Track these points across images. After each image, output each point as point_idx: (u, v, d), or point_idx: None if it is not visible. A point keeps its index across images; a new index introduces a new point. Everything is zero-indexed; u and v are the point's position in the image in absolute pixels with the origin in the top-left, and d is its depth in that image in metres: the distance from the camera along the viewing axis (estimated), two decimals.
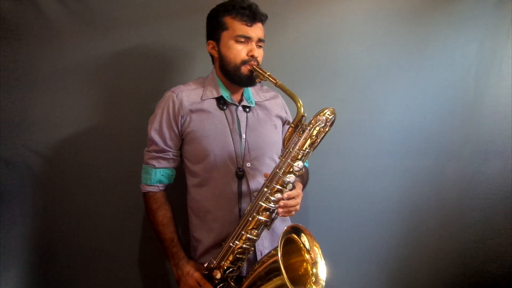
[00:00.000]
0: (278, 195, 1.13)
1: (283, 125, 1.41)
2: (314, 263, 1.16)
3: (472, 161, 1.78)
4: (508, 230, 1.78)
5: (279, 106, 1.41)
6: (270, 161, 1.31)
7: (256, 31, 1.23)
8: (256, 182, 1.26)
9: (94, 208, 1.53)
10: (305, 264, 1.18)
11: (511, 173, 1.77)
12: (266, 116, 1.35)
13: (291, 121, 1.42)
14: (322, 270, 1.15)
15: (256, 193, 1.24)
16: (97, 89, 1.51)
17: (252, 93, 1.36)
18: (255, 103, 1.34)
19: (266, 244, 1.28)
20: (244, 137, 1.27)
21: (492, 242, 1.80)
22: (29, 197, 1.47)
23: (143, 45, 1.52)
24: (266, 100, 1.38)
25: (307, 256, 1.17)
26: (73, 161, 1.50)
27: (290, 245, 1.16)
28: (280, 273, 1.03)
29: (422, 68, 1.73)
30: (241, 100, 1.32)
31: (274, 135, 1.35)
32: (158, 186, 1.29)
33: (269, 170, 1.27)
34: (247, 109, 1.31)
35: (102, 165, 1.53)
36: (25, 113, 1.44)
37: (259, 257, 1.26)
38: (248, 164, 1.26)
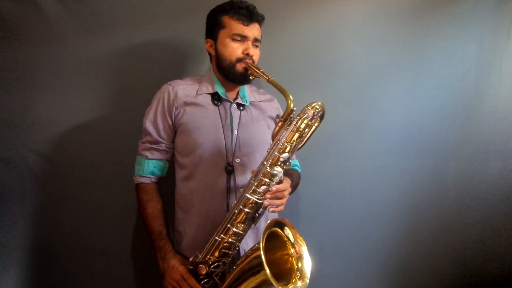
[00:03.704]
0: (265, 188, 1.13)
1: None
2: (299, 257, 1.15)
3: (472, 161, 1.78)
4: (508, 230, 1.78)
5: (274, 109, 1.44)
6: (259, 159, 1.30)
7: (253, 30, 1.26)
8: (244, 178, 1.27)
9: (94, 208, 1.53)
10: (290, 259, 1.16)
11: (511, 173, 1.77)
12: (259, 115, 1.37)
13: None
14: (307, 265, 1.14)
15: (242, 189, 1.24)
16: (97, 89, 1.51)
17: (248, 93, 1.38)
18: (250, 103, 1.36)
19: (250, 243, 1.29)
20: (236, 133, 1.29)
21: (492, 242, 1.79)
22: (29, 197, 1.47)
23: (143, 45, 1.52)
24: (261, 101, 1.41)
25: (292, 251, 1.16)
26: (73, 161, 1.50)
27: (275, 240, 1.15)
28: (263, 268, 1.01)
29: (422, 68, 1.72)
30: (236, 98, 1.34)
31: (266, 135, 1.35)
32: (150, 178, 1.30)
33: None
34: (241, 107, 1.34)
35: (102, 165, 1.53)
36: (25, 113, 1.44)
37: None
38: (238, 160, 1.28)
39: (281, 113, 1.43)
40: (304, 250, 1.15)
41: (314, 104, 1.16)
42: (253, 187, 1.14)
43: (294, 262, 1.15)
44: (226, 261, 1.19)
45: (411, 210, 1.78)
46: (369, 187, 1.74)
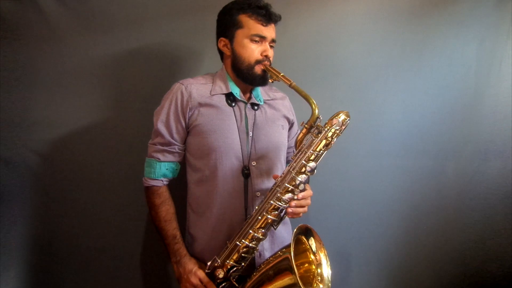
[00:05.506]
0: (289, 195, 1.14)
1: (290, 128, 1.41)
2: (319, 264, 1.17)
3: (472, 161, 1.78)
4: (508, 230, 1.78)
5: (287, 108, 1.41)
6: (275, 161, 1.30)
7: (270, 31, 1.24)
8: (260, 181, 1.26)
9: (94, 208, 1.53)
10: (308, 264, 1.18)
11: (511, 173, 1.77)
12: (273, 115, 1.34)
13: (295, 123, 1.44)
14: (326, 271, 1.16)
15: (259, 192, 1.25)
16: (97, 89, 1.50)
17: (261, 92, 1.35)
18: (264, 102, 1.33)
19: (266, 245, 1.27)
20: (251, 135, 1.26)
21: (492, 242, 1.80)
22: (29, 197, 1.47)
23: (143, 45, 1.52)
24: (274, 99, 1.38)
25: (312, 257, 1.18)
26: (73, 161, 1.50)
27: (297, 246, 1.16)
28: (291, 272, 1.04)
29: (422, 68, 1.73)
30: (249, 98, 1.31)
31: (280, 136, 1.34)
32: (162, 180, 1.26)
33: (273, 170, 1.28)
34: (256, 107, 1.31)
35: (102, 165, 1.52)
36: (25, 113, 1.44)
37: (257, 258, 1.25)
38: (254, 163, 1.26)
39: (293, 113, 1.43)
40: (324, 260, 1.18)
41: (341, 113, 1.15)
42: (278, 194, 1.14)
43: (313, 268, 1.17)
44: (244, 264, 1.19)
45: (411, 210, 1.78)
46: (369, 187, 1.74)
